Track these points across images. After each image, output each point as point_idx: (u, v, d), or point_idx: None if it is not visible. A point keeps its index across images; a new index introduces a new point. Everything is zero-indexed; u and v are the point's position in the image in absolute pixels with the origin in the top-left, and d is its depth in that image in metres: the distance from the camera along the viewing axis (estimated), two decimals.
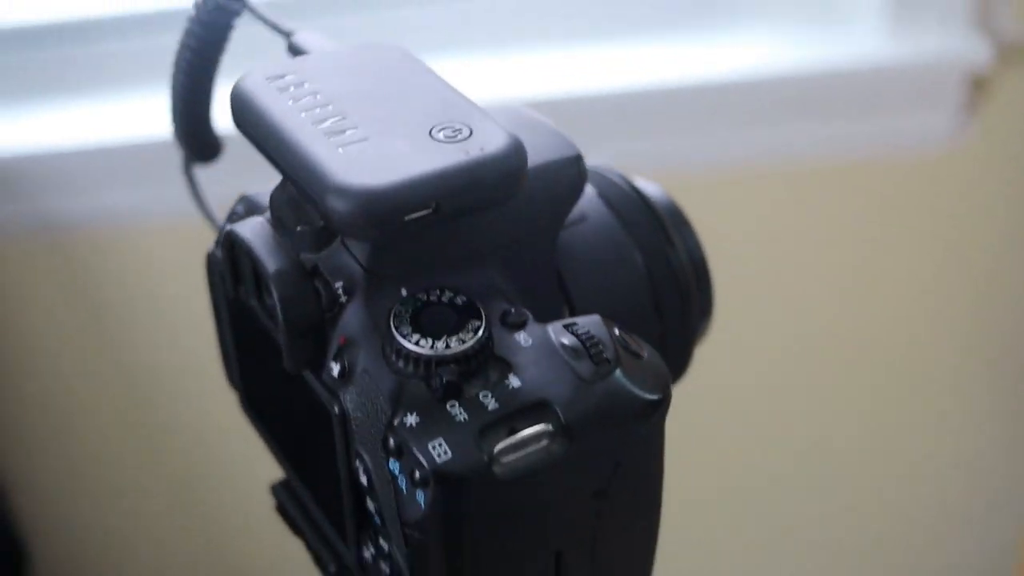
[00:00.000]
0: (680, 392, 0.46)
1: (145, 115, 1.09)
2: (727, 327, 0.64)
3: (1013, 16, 1.12)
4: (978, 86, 1.14)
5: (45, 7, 1.12)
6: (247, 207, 0.48)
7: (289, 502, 0.52)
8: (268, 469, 0.54)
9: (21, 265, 1.16)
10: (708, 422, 1.20)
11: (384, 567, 0.44)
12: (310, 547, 0.51)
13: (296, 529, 0.51)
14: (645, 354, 0.43)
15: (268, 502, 0.53)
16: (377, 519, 0.43)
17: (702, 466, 1.22)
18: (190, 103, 0.54)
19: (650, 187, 0.51)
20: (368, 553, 0.45)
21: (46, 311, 1.19)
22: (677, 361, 0.51)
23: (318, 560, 0.50)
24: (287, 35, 0.50)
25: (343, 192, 0.40)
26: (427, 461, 0.39)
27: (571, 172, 0.46)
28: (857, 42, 1.15)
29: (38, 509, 1.29)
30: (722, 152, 1.15)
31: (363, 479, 0.43)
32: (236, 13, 0.52)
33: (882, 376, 1.31)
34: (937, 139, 1.17)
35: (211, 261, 0.50)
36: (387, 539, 0.43)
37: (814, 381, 1.30)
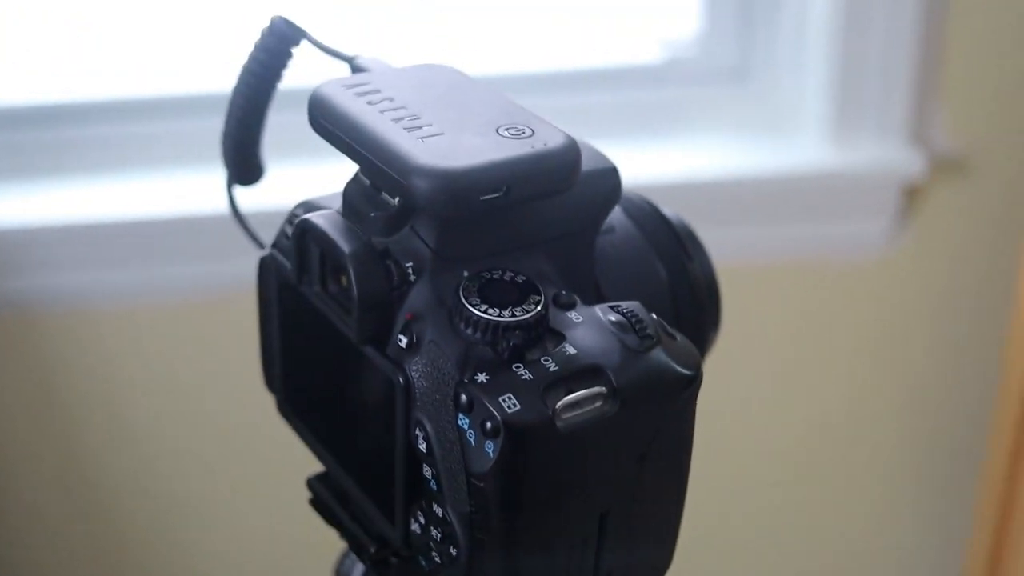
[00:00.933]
0: None
1: (98, 198, 1.14)
2: None
3: (946, 130, 1.20)
4: (912, 196, 1.22)
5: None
6: (307, 209, 0.52)
7: (325, 494, 0.55)
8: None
9: None
10: None
11: (436, 533, 0.47)
12: (348, 535, 0.54)
13: (332, 519, 0.55)
14: (679, 337, 0.48)
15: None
16: (433, 484, 0.47)
17: None
18: (243, 126, 0.58)
19: (667, 208, 0.57)
20: (417, 525, 0.49)
21: None
22: None
23: (356, 546, 0.53)
24: (350, 60, 0.55)
25: (428, 173, 0.44)
26: (498, 412, 0.43)
27: (611, 181, 0.51)
28: (798, 151, 1.22)
29: None
30: None
31: (422, 446, 0.47)
32: (296, 42, 0.56)
33: (815, 468, 1.36)
34: (873, 245, 1.24)
35: (264, 264, 0.54)
36: (442, 503, 0.47)
37: (745, 473, 1.35)
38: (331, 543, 0.63)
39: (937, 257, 1.26)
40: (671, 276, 0.55)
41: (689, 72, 1.23)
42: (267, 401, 0.65)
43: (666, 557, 0.51)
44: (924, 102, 1.19)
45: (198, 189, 1.14)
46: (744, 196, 1.22)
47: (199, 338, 1.20)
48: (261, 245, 0.58)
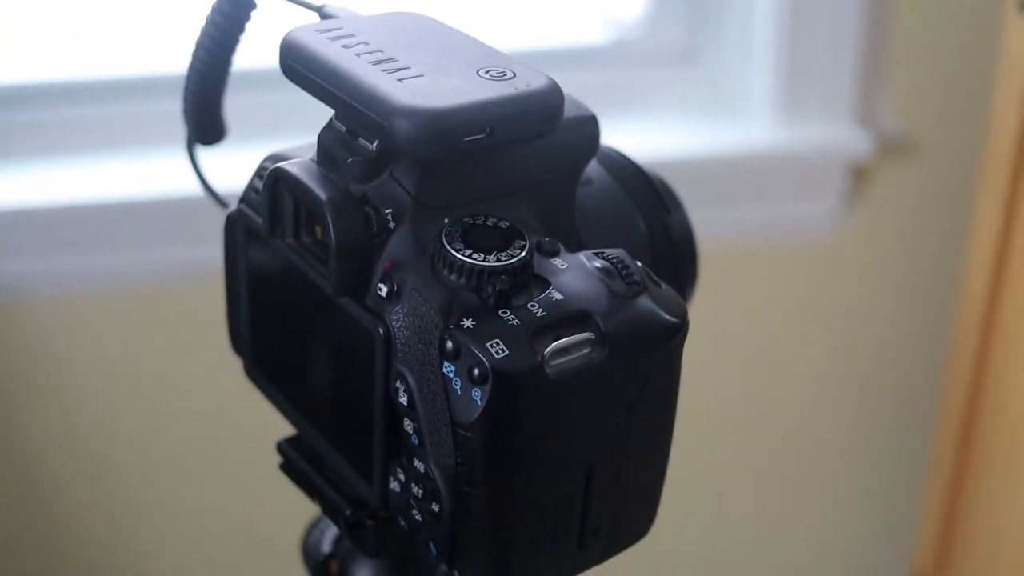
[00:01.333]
0: None
1: (39, 184, 1.11)
2: None
3: (892, 111, 1.21)
4: (859, 177, 1.22)
5: None
6: (276, 160, 0.50)
7: (296, 457, 0.54)
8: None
9: None
10: None
11: (416, 490, 0.46)
12: (321, 498, 0.52)
13: (304, 482, 0.53)
14: (663, 286, 0.47)
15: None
16: (415, 438, 0.45)
17: None
18: (206, 80, 0.56)
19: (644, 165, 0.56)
20: (396, 483, 0.47)
21: None
22: None
23: (330, 510, 0.52)
24: (318, 9, 0.53)
25: (410, 113, 0.43)
26: (487, 358, 0.42)
27: (590, 130, 0.50)
28: (746, 132, 1.22)
29: None
30: None
31: (402, 399, 0.45)
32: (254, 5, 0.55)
33: (761, 449, 1.36)
34: (820, 226, 1.24)
35: (230, 221, 0.53)
36: (424, 458, 0.45)
37: (698, 456, 1.34)
38: (300, 518, 0.62)
39: (884, 237, 1.26)
40: (651, 229, 0.54)
41: (636, 53, 1.23)
42: (223, 369, 0.64)
43: (649, 516, 0.50)
44: (871, 83, 1.19)
45: (137, 173, 1.11)
46: (691, 177, 1.19)
47: (148, 322, 1.17)
48: (224, 205, 0.56)
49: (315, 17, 0.53)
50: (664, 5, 1.21)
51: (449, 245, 0.44)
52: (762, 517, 1.39)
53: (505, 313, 0.43)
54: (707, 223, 1.19)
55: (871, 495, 1.40)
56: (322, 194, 0.45)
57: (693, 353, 1.32)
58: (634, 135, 1.20)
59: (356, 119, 0.45)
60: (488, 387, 0.42)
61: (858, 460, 1.38)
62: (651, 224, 0.54)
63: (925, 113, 1.21)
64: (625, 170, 0.54)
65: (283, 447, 0.54)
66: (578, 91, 1.26)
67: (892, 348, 1.32)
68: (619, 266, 0.45)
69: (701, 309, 1.23)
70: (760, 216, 1.23)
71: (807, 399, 1.34)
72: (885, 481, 1.39)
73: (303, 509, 0.57)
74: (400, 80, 0.44)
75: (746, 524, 1.39)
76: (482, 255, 0.44)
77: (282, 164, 0.47)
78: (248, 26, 0.56)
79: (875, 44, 1.18)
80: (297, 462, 0.53)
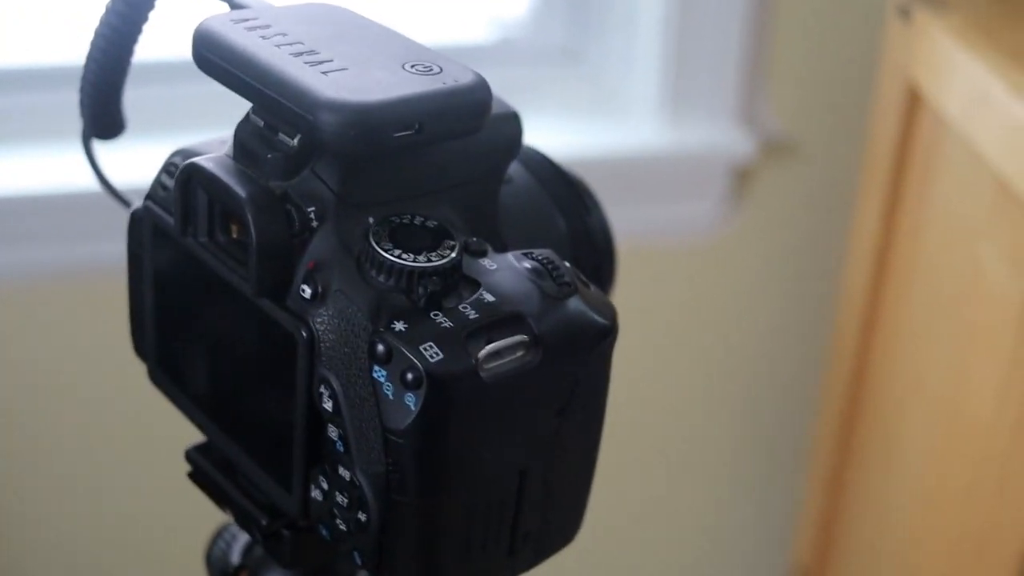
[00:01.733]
0: None
1: None
2: None
3: (775, 113, 1.22)
4: (743, 178, 1.23)
5: None
6: (186, 156, 0.48)
7: (207, 465, 0.51)
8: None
9: None
10: None
11: (341, 499, 0.44)
12: (234, 507, 0.50)
13: (215, 491, 0.51)
14: (592, 287, 0.46)
15: None
16: (340, 445, 0.44)
17: None
18: (103, 76, 0.54)
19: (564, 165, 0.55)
20: (318, 492, 0.45)
21: None
22: None
23: (244, 520, 0.50)
24: None
25: (337, 107, 0.41)
26: (420, 361, 0.40)
27: (514, 127, 0.49)
28: (629, 132, 1.22)
29: None
30: None
31: (327, 404, 0.43)
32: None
33: (643, 451, 1.36)
34: (703, 227, 1.25)
35: (135, 219, 0.50)
36: (349, 466, 0.43)
37: None
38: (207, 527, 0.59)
39: (766, 238, 1.27)
40: (571, 228, 0.53)
41: (520, 52, 1.22)
42: (125, 375, 0.61)
43: (577, 520, 0.49)
44: (754, 85, 1.20)
45: (31, 168, 1.07)
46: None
47: (46, 323, 1.13)
48: (126, 203, 0.54)
49: (224, 8, 0.51)
50: (548, 4, 1.21)
51: (377, 245, 0.43)
52: (643, 515, 1.40)
53: (437, 316, 0.42)
54: None
55: (752, 493, 1.41)
56: (241, 191, 0.43)
57: None
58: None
59: (277, 113, 0.44)
60: (422, 392, 0.41)
61: (739, 459, 1.39)
62: (571, 223, 0.53)
63: (807, 115, 1.22)
64: (544, 169, 0.54)
65: (192, 455, 0.52)
66: None
67: (774, 348, 1.33)
68: (549, 267, 0.44)
69: None
70: (643, 217, 1.23)
71: (689, 399, 1.34)
72: (766, 479, 1.41)
73: (213, 518, 0.55)
74: (324, 73, 0.43)
75: (627, 523, 1.39)
76: (412, 255, 0.43)
77: (196, 160, 0.45)
78: (151, 15, 0.53)
79: (758, 46, 1.19)
80: (208, 470, 0.51)
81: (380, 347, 0.41)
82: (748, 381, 1.34)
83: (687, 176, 1.23)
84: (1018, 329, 0.98)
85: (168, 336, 0.51)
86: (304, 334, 0.43)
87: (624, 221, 1.21)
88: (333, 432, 0.44)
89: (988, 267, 1.03)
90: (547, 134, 1.20)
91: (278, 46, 0.44)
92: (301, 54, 0.44)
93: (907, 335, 1.16)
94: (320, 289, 0.43)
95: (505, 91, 1.21)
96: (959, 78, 1.03)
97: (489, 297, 0.43)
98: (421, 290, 0.42)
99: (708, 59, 1.18)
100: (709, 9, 1.17)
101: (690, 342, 1.31)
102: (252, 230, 0.43)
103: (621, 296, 1.25)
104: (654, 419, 1.34)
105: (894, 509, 1.19)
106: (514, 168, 0.52)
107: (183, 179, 0.46)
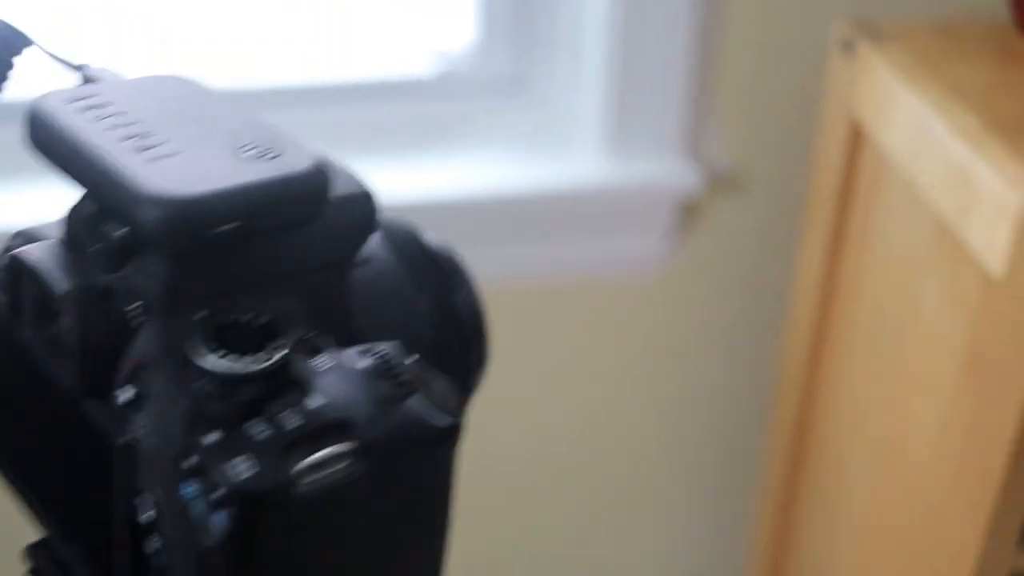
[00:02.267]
0: None
1: None
2: None
3: (720, 147, 1.20)
4: (688, 212, 1.21)
5: None
6: (25, 240, 0.46)
7: (46, 564, 0.49)
8: None
9: None
10: None
11: None
12: None
13: None
14: (439, 383, 0.44)
15: None
16: (161, 558, 0.41)
17: None
18: None
19: (434, 238, 0.52)
20: None
21: None
22: None
23: None
24: (79, 68, 0.49)
25: (155, 201, 0.39)
26: (226, 479, 0.38)
27: (365, 207, 0.47)
28: (575, 165, 1.20)
29: None
30: None
31: (146, 516, 0.41)
32: (19, 49, 0.50)
33: (589, 488, 1.34)
34: (649, 261, 1.23)
35: None
36: None
37: (526, 487, 1.33)
38: None
39: (712, 272, 1.25)
40: (433, 310, 0.50)
41: (464, 85, 1.20)
42: None
43: None
44: (699, 118, 1.18)
45: None
46: (519, 212, 1.19)
47: None
48: None
49: (73, 79, 0.49)
50: (493, 36, 1.19)
51: (196, 350, 0.40)
52: (595, 552, 1.38)
53: (255, 425, 0.39)
54: (535, 260, 1.19)
55: (702, 529, 1.40)
56: (60, 287, 0.41)
57: (519, 390, 1.30)
58: (460, 170, 1.17)
59: (104, 202, 0.41)
60: (231, 511, 0.38)
61: (688, 494, 1.37)
62: (435, 302, 0.50)
63: (753, 149, 1.21)
64: (408, 246, 0.51)
65: (32, 551, 0.50)
66: (404, 124, 1.22)
67: (720, 383, 1.31)
68: (386, 366, 0.42)
69: (527, 344, 1.22)
70: (587, 251, 1.21)
71: (636, 436, 1.33)
72: (715, 515, 1.39)
73: None
74: (151, 160, 0.41)
75: (582, 557, 1.38)
76: (236, 356, 0.40)
77: (20, 252, 0.43)
78: (7, 84, 0.51)
79: (704, 80, 1.17)
80: (47, 568, 0.49)
81: (189, 462, 0.39)
82: (695, 416, 1.32)
83: (632, 209, 1.21)
84: (957, 370, 0.96)
85: (3, 428, 0.49)
86: (122, 442, 0.41)
87: (569, 255, 1.21)
88: (157, 542, 0.42)
89: (928, 306, 1.01)
90: (491, 168, 1.18)
91: (110, 128, 0.42)
92: (132, 137, 0.42)
93: (851, 373, 1.14)
94: (142, 392, 0.41)
95: (447, 125, 1.20)
96: (901, 114, 1.01)
97: (316, 402, 0.40)
98: (241, 397, 0.40)
99: (654, 91, 1.16)
100: (654, 41, 1.15)
101: (636, 378, 1.29)
102: (72, 327, 0.41)
103: (567, 331, 1.24)
104: (601, 456, 1.32)
105: (841, 546, 1.17)
106: (375, 247, 0.50)
107: (10, 270, 0.44)
